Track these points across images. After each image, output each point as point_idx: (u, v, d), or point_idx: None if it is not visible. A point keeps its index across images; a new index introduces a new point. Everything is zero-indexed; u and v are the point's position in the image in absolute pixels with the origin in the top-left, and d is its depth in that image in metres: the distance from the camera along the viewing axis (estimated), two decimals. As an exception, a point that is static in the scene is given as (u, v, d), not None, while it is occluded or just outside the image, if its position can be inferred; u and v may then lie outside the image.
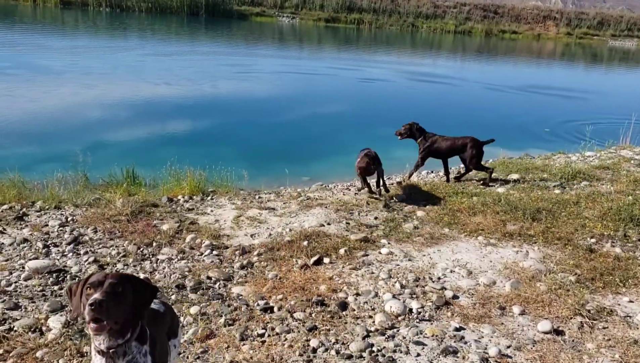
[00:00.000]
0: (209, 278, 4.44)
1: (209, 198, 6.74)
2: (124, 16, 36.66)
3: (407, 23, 47.28)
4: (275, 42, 33.00)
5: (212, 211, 6.18)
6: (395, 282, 4.47)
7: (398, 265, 4.85)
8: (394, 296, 4.22)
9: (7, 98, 12.44)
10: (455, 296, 4.34)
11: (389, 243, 5.32)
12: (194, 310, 3.87)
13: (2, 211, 5.70)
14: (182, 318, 3.77)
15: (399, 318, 3.95)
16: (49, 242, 4.92)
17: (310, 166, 9.71)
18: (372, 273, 4.65)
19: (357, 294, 4.25)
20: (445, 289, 4.43)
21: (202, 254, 4.94)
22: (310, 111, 14.35)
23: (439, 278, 4.64)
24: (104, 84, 14.86)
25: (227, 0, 41.91)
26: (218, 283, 4.37)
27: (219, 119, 12.60)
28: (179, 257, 4.83)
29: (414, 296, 4.28)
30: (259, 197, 6.91)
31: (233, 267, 4.69)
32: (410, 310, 4.06)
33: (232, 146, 10.45)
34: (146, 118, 11.78)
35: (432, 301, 4.20)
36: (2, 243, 4.84)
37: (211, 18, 39.39)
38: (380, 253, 5.07)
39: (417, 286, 4.45)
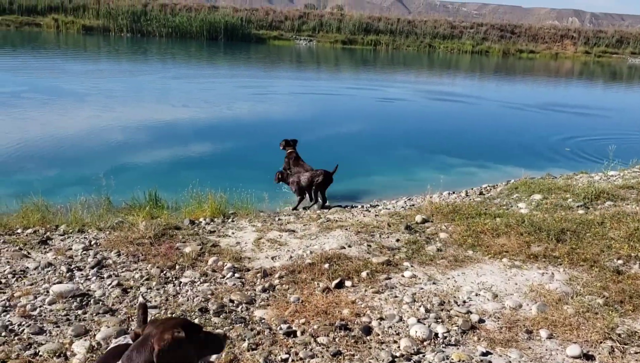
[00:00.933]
0: (231, 301, 4.42)
1: (230, 220, 6.77)
2: (144, 41, 37.33)
3: (424, 44, 47.35)
4: (292, 65, 33.31)
5: (233, 233, 6.19)
6: (420, 306, 4.41)
7: (422, 288, 4.79)
8: (418, 321, 4.16)
9: (30, 122, 12.66)
10: (481, 320, 4.26)
11: (411, 266, 5.27)
12: (217, 334, 3.85)
13: (26, 235, 5.78)
14: (205, 343, 3.75)
15: (425, 343, 3.89)
16: (73, 266, 4.96)
17: (329, 187, 9.70)
18: (396, 296, 4.60)
19: (381, 318, 4.20)
20: (471, 313, 4.36)
21: (224, 277, 4.93)
22: (328, 132, 14.36)
23: (464, 302, 4.57)
24: (125, 108, 15.10)
25: (245, 25, 42.44)
26: (240, 307, 4.35)
27: (237, 141, 12.65)
28: (201, 280, 4.83)
29: (439, 320, 4.22)
30: (279, 219, 6.92)
31: (255, 290, 4.67)
32: (436, 335, 4.00)
33: (251, 167, 10.48)
34: (166, 141, 11.90)
35: (457, 326, 4.14)
36: (27, 267, 4.88)
37: (229, 42, 39.90)
38: (403, 276, 5.02)
39: (442, 310, 4.39)
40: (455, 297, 4.66)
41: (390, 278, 4.96)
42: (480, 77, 34.18)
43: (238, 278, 4.92)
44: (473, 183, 10.07)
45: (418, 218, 6.73)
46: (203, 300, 4.42)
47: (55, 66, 23.46)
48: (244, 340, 3.78)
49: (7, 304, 4.15)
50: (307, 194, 8.41)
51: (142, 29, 39.70)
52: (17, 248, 5.37)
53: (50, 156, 10.34)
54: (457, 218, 6.78)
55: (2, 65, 23.20)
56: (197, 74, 24.79)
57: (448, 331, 4.07)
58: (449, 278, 5.05)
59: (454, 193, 9.04)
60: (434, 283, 4.92)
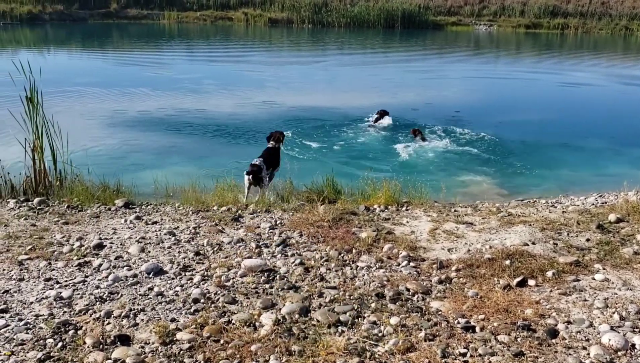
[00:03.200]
0: (407, 289, 4.43)
1: (404, 208, 6.76)
2: (324, 32, 38.78)
3: (620, 26, 42.80)
4: (469, 50, 32.25)
5: (407, 222, 6.18)
6: (614, 312, 4.02)
7: (616, 294, 4.36)
8: (612, 328, 3.79)
9: (204, 106, 13.80)
10: (689, 336, 3.76)
11: (604, 269, 4.82)
12: (393, 320, 3.88)
13: (221, 212, 6.34)
14: (382, 327, 3.81)
15: (619, 353, 3.53)
16: (261, 243, 5.33)
17: (509, 179, 9.27)
18: (585, 300, 4.24)
19: (568, 322, 3.90)
20: (676, 326, 3.87)
21: (399, 264, 4.95)
22: (505, 118, 13.59)
23: (667, 313, 4.07)
24: (297, 94, 15.83)
25: (422, 12, 41.96)
26: (416, 296, 4.34)
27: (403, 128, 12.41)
28: (377, 266, 4.90)
29: (637, 330, 3.80)
30: (455, 210, 6.75)
31: (431, 281, 4.62)
32: (633, 346, 3.61)
33: (423, 157, 10.36)
34: (336, 127, 12.20)
35: (659, 339, 3.70)
36: (222, 241, 5.36)
37: (406, 30, 39.79)
38: (594, 279, 4.61)
39: (639, 319, 3.96)
40: (656, 307, 4.16)
41: (578, 280, 4.59)
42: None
43: (413, 267, 4.91)
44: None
45: (612, 217, 6.12)
46: (379, 285, 4.48)
47: (240, 55, 25.49)
48: (421, 330, 3.77)
49: (206, 274, 4.60)
50: None
51: (323, 20, 41.29)
52: (214, 223, 5.92)
53: (238, 138, 11.22)
54: (659, 219, 6.06)
55: (194, 55, 25.70)
56: (370, 61, 25.19)
57: (647, 344, 3.66)
58: (648, 286, 4.53)
59: (654, 190, 8.06)
60: (629, 289, 4.45)
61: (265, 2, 43.26)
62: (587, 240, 5.50)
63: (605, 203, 7.20)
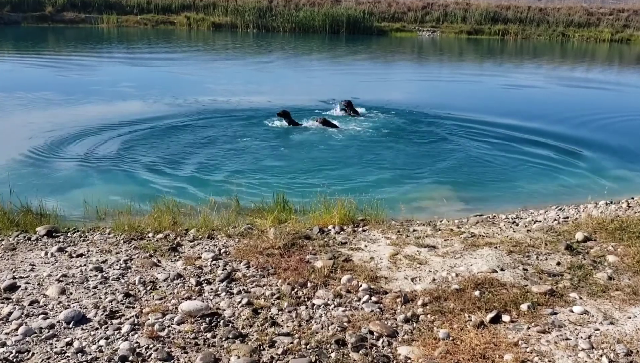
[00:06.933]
0: (370, 332, 3.90)
1: (360, 228, 6.26)
2: (269, 36, 38.11)
3: (557, 32, 44.07)
4: (413, 55, 32.39)
5: (365, 246, 5.67)
6: (601, 355, 3.61)
7: (598, 329, 3.96)
8: (603, 377, 3.38)
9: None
10: (683, 380, 3.39)
11: (580, 298, 4.43)
12: (358, 375, 3.35)
13: (157, 240, 5.64)
14: (345, 386, 3.26)
15: (614, 409, 3.12)
16: (202, 279, 4.68)
17: (464, 191, 8.90)
18: (567, 339, 3.82)
19: (554, 369, 3.47)
20: (668, 368, 3.50)
21: (359, 299, 4.43)
22: (454, 123, 13.23)
23: (657, 352, 3.70)
24: (232, 97, 15.25)
25: (367, 18, 41.90)
26: (382, 340, 3.82)
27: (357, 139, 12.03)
28: (335, 302, 4.36)
29: (629, 377, 3.41)
30: (414, 230, 6.28)
31: (396, 319, 4.12)
32: (628, 398, 3.21)
33: (376, 167, 9.91)
34: (285, 138, 11.67)
35: (653, 386, 3.31)
36: (157, 278, 4.68)
37: (351, 35, 39.63)
38: (572, 311, 4.21)
39: (630, 362, 3.56)
40: (643, 344, 3.79)
41: (556, 313, 4.18)
42: (621, 66, 31.36)
43: (375, 302, 4.39)
44: (632, 191, 8.76)
45: (579, 236, 5.79)
46: (339, 329, 3.93)
47: (177, 59, 24.67)
48: (390, 387, 3.25)
49: (136, 321, 3.93)
50: None
51: (267, 25, 40.61)
52: (148, 254, 5.23)
53: (180, 148, 10.43)
54: (627, 237, 5.77)
55: (132, 59, 24.69)
56: (315, 65, 24.83)
57: (641, 392, 3.26)
58: (629, 317, 4.16)
59: (612, 203, 7.85)
60: (612, 323, 4.06)
61: (208, 6, 42.18)
62: (558, 263, 5.13)
63: (567, 217, 6.90)
